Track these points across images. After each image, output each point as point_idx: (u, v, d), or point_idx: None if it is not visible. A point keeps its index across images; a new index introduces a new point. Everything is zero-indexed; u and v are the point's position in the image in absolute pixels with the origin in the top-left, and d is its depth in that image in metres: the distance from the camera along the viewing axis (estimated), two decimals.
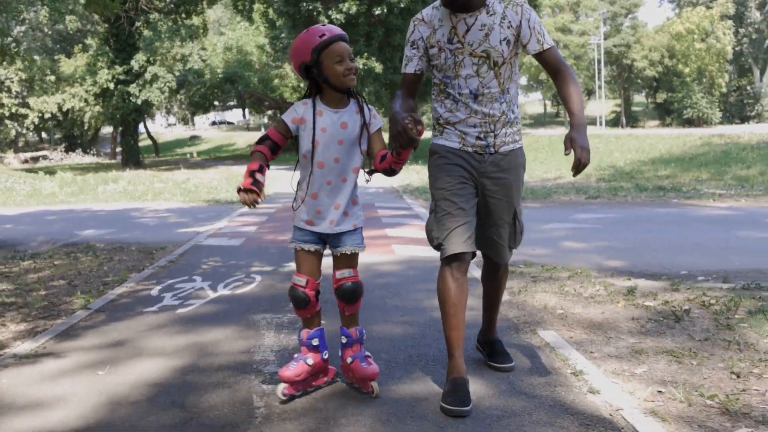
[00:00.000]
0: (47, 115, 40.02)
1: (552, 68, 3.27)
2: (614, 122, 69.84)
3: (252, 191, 2.99)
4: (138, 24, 35.39)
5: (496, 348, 3.66)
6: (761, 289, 5.19)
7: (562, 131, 45.68)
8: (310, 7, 26.21)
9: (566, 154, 3.06)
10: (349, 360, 3.27)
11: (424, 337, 4.23)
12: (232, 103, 59.68)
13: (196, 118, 79.89)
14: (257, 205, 3.05)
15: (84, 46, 42.41)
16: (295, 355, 3.30)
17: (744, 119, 60.64)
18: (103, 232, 10.68)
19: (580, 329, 4.30)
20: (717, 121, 61.58)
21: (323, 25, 3.16)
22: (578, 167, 3.02)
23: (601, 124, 56.02)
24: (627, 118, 69.95)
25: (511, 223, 3.38)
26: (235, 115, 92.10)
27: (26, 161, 51.06)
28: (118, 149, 54.79)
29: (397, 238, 8.58)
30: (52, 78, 37.22)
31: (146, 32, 35.28)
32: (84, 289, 6.14)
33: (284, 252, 7.84)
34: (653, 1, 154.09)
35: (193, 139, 77.90)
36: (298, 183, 3.28)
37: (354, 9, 25.20)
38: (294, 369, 3.19)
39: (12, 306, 5.61)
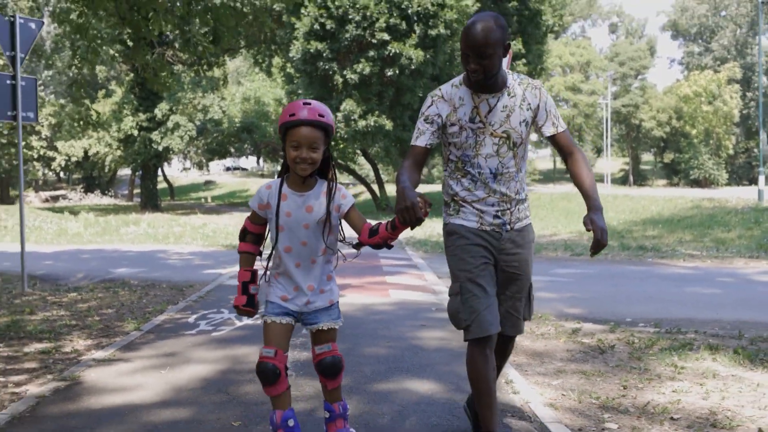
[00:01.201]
0: (73, 159, 41.88)
1: (565, 150, 3.42)
2: (623, 180, 71.16)
3: (248, 311, 3.23)
4: (163, 74, 37.23)
5: None
6: (680, 333, 6.46)
7: (568, 188, 47.09)
8: (326, 67, 27.88)
9: (588, 230, 3.14)
10: None
11: (403, 356, 5.52)
12: (247, 151, 61.52)
13: (211, 164, 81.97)
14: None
15: (107, 92, 44.32)
16: None
17: (752, 181, 61.92)
18: (135, 270, 12.02)
19: (523, 356, 5.60)
20: (723, 182, 62.87)
21: (304, 103, 3.11)
22: (597, 247, 3.14)
23: (606, 181, 57.28)
24: (635, 176, 71.29)
25: (526, 297, 3.50)
26: (249, 161, 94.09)
27: (47, 200, 52.83)
28: (135, 191, 56.55)
29: (394, 284, 9.88)
30: (81, 124, 39.14)
31: (171, 82, 37.09)
32: (131, 316, 7.46)
33: None
34: (663, 63, 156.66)
35: (208, 184, 79.77)
36: (270, 258, 3.31)
37: (368, 70, 26.86)
38: None
39: (75, 327, 6.94)
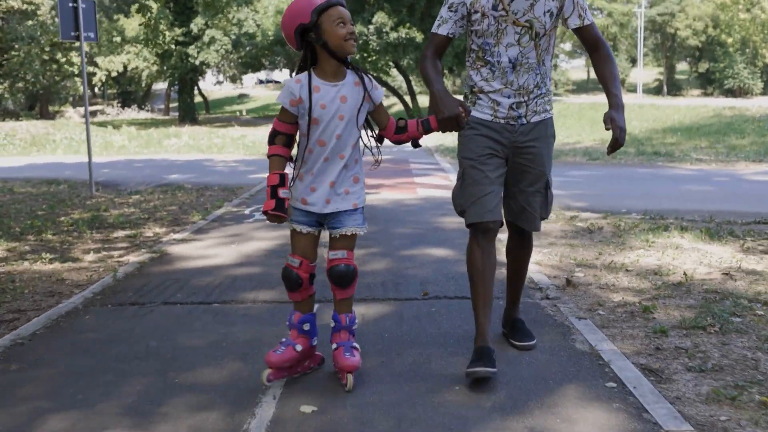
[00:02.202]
0: (113, 74, 43.09)
1: (591, 44, 3.33)
2: (657, 90, 70.77)
3: (278, 216, 3.01)
4: None
5: (516, 326, 3.66)
6: (662, 219, 7.57)
7: (598, 97, 47.47)
8: None
9: (606, 129, 3.10)
10: (333, 346, 3.20)
11: (426, 234, 6.74)
12: (281, 64, 62.17)
13: (244, 77, 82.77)
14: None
15: (140, 7, 45.01)
16: (283, 339, 3.23)
17: None
18: (187, 176, 13.30)
19: None
20: (758, 91, 62.37)
21: None
22: (615, 147, 3.12)
23: (638, 91, 57.31)
24: (670, 86, 70.82)
25: (542, 192, 3.41)
26: (282, 74, 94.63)
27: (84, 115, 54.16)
28: (171, 105, 57.78)
29: (422, 184, 11.06)
30: (119, 39, 40.20)
31: None
32: (195, 210, 8.75)
33: None
34: None
35: (242, 98, 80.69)
36: (295, 160, 3.19)
37: None
38: (281, 354, 3.13)
39: (148, 219, 8.25)
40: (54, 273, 5.48)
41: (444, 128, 3.02)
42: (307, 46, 3.05)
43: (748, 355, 3.38)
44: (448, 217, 7.65)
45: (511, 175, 3.36)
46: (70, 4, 10.97)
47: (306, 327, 3.19)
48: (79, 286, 5.04)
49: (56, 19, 34.49)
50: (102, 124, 36.47)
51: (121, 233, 7.27)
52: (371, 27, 28.82)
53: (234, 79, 71.65)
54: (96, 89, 62.72)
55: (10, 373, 3.37)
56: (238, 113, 58.38)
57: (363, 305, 4.32)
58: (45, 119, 39.65)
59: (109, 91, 64.69)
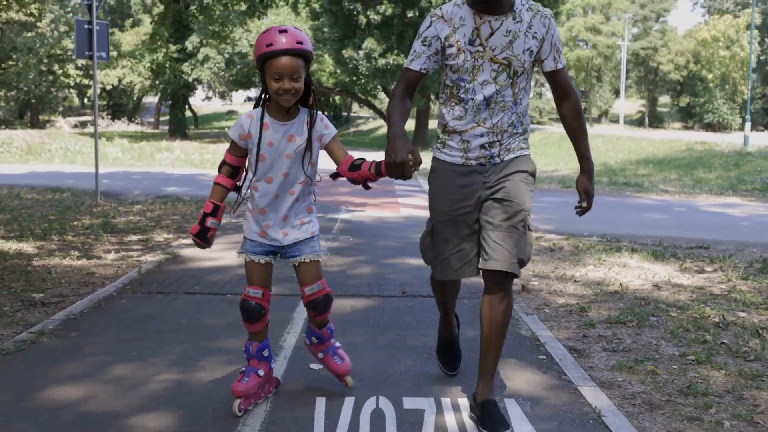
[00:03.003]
0: (108, 87, 43.97)
1: (563, 90, 3.22)
2: (639, 122, 72.34)
3: (199, 243, 3.19)
4: (192, 7, 38.86)
5: (488, 410, 3.08)
6: (617, 241, 8.51)
7: None
8: (351, 7, 29.54)
9: (578, 204, 3.29)
10: (320, 355, 3.42)
11: (406, 247, 7.65)
12: None
13: (234, 94, 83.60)
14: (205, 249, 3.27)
15: (134, 21, 45.78)
16: (243, 369, 3.31)
17: (767, 126, 63.00)
18: (183, 189, 14.15)
19: None
20: (737, 126, 63.98)
21: (280, 31, 3.00)
22: (584, 212, 3.30)
23: (620, 122, 58.71)
24: (651, 118, 72.33)
25: (519, 230, 3.09)
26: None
27: (75, 126, 54.93)
28: (161, 119, 58.57)
29: (405, 204, 11.99)
30: (115, 54, 41.11)
31: (201, 18, 38.78)
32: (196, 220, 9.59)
33: (325, 206, 11.26)
34: (687, 5, 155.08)
35: (230, 114, 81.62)
36: (243, 190, 3.26)
37: (390, 11, 28.54)
38: (247, 383, 3.22)
39: (155, 226, 9.09)
40: (83, 268, 6.34)
41: (390, 173, 2.89)
42: (263, 78, 3.11)
43: (653, 342, 4.32)
44: None
45: (485, 212, 3.13)
46: (86, 26, 11.84)
47: (265, 353, 3.31)
48: (108, 279, 5.91)
49: (55, 32, 35.49)
50: (90, 135, 37.09)
51: (133, 237, 8.12)
52: (361, 52, 29.87)
53: (223, 96, 72.64)
54: (86, 100, 63.48)
55: (72, 338, 4.24)
56: (226, 129, 59.05)
57: (351, 299, 5.23)
58: (35, 128, 40.36)
59: (100, 103, 65.46)
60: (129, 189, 14.25)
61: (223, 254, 7.03)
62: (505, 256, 3.02)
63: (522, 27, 3.07)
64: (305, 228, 3.22)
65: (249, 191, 3.21)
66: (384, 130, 45.05)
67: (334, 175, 3.25)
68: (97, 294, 5.29)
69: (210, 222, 3.12)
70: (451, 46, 3.11)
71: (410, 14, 28.86)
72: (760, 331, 4.50)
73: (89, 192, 13.26)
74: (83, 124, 56.56)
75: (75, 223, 9.15)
